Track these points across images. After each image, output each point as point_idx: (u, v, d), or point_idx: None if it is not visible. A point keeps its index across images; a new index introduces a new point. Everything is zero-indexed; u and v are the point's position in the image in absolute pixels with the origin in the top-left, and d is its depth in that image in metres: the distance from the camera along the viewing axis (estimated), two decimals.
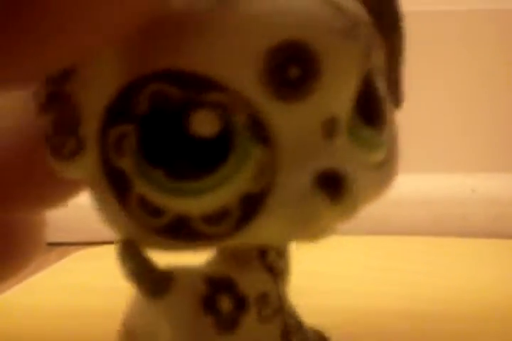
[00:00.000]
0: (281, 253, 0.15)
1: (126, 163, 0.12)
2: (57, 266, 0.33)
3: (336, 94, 0.12)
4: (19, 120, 0.15)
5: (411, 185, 0.43)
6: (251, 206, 0.12)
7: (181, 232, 0.12)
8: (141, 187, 0.12)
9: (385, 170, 0.13)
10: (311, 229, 0.13)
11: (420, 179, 0.43)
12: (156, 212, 0.12)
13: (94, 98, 0.12)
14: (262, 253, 0.15)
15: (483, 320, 0.23)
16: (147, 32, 0.11)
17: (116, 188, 0.12)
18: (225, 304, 0.14)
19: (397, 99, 0.15)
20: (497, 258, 0.32)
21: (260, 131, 0.12)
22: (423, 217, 0.41)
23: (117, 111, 0.12)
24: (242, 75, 0.11)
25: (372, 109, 0.13)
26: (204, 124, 0.12)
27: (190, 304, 0.14)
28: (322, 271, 0.29)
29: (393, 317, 0.23)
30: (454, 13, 0.45)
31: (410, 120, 0.45)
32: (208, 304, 0.14)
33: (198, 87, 0.12)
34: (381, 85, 0.13)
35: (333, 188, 0.12)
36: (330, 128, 0.12)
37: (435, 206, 0.42)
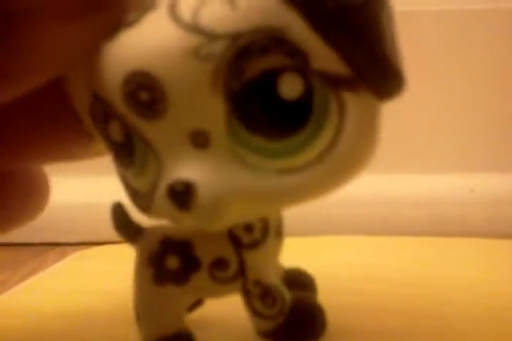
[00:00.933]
0: (251, 229, 0.18)
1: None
2: (56, 266, 0.33)
3: (191, 111, 0.13)
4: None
5: (409, 185, 0.43)
6: (147, 196, 0.15)
7: (134, 200, 0.16)
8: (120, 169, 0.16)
9: (302, 175, 0.14)
10: (183, 226, 0.16)
11: (419, 179, 0.43)
12: (127, 185, 0.16)
13: (82, 102, 0.15)
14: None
15: (482, 319, 0.23)
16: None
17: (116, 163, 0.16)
18: (172, 262, 0.18)
19: (385, 86, 0.14)
20: (495, 257, 0.32)
21: (144, 141, 0.14)
22: (422, 217, 0.41)
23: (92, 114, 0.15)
24: (115, 98, 0.14)
25: (269, 117, 0.13)
26: (115, 133, 0.15)
27: (141, 257, 0.18)
28: (321, 271, 0.29)
29: (392, 316, 0.23)
30: (448, 13, 0.45)
31: (408, 121, 0.45)
32: (153, 260, 0.18)
33: (105, 105, 0.14)
34: (292, 86, 0.13)
35: (179, 198, 0.14)
36: (199, 139, 0.14)
37: (433, 206, 0.42)
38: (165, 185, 0.14)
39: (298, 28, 0.13)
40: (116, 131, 0.14)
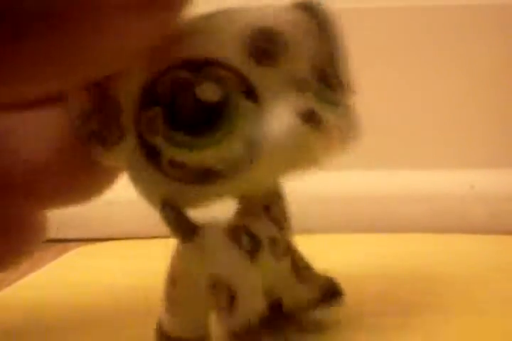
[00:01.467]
0: (283, 212, 0.20)
1: (156, 138, 0.17)
2: (56, 262, 0.33)
3: (301, 62, 0.17)
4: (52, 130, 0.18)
5: (410, 182, 0.43)
6: (251, 149, 0.16)
7: (203, 178, 0.17)
8: (169, 153, 0.17)
9: (344, 122, 0.18)
10: (303, 157, 0.17)
11: (419, 175, 0.43)
12: (182, 166, 0.17)
13: (128, 93, 0.17)
14: (268, 210, 0.19)
15: (483, 314, 0.23)
16: (167, 37, 0.16)
17: (150, 156, 0.17)
18: (245, 240, 0.18)
19: (341, 84, 0.19)
20: (496, 254, 0.32)
21: (248, 91, 0.17)
22: (422, 213, 0.41)
23: (146, 99, 0.17)
24: (233, 54, 0.16)
25: (331, 79, 0.18)
26: (208, 92, 0.16)
27: (221, 237, 0.18)
28: (321, 268, 0.29)
29: (392, 313, 0.23)
30: (446, 9, 0.45)
31: (408, 117, 0.45)
32: (234, 236, 0.18)
33: (203, 68, 0.16)
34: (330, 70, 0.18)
35: (314, 121, 0.17)
36: (301, 85, 0.17)
37: (434, 202, 0.42)
38: (293, 113, 0.16)
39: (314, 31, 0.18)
40: (212, 91, 0.16)
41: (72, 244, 0.39)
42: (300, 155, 0.17)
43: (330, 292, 0.21)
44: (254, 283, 0.18)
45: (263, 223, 0.19)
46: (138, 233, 0.38)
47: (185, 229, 0.18)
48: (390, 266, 0.29)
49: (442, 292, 0.25)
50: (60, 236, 0.42)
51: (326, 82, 0.18)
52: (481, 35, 0.44)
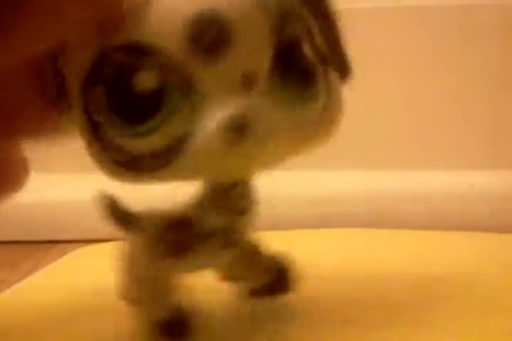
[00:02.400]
0: (243, 197, 0.20)
1: (100, 116, 0.16)
2: (56, 264, 0.33)
3: (249, 53, 0.16)
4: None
5: (411, 181, 0.43)
6: (177, 145, 0.16)
7: (131, 166, 0.17)
8: (110, 132, 0.16)
9: (317, 118, 0.17)
10: (226, 164, 0.16)
11: (420, 175, 0.43)
12: (119, 149, 0.16)
13: (75, 69, 0.17)
14: (225, 197, 0.20)
15: (482, 314, 0.23)
16: (111, 21, 0.16)
17: (94, 133, 0.17)
18: (179, 237, 0.19)
19: (342, 70, 0.18)
20: (495, 252, 0.32)
21: (187, 85, 0.16)
22: (422, 212, 0.41)
23: (91, 77, 0.16)
24: (171, 42, 0.15)
25: (299, 69, 0.17)
26: (143, 82, 0.16)
27: (150, 233, 0.19)
28: (321, 262, 0.29)
29: (391, 309, 0.23)
30: (446, 9, 0.45)
31: (409, 117, 0.45)
32: (165, 234, 0.19)
33: (139, 54, 0.16)
34: (308, 51, 0.17)
35: (235, 130, 0.15)
36: (248, 80, 0.16)
37: (434, 202, 0.42)
38: (220, 119, 0.15)
39: (305, 12, 0.17)
40: (148, 79, 0.16)
41: (72, 245, 0.39)
42: (216, 163, 0.16)
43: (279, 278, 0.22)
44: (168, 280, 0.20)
45: (208, 212, 0.20)
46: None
47: (119, 220, 0.20)
48: (388, 262, 0.29)
49: (440, 289, 0.25)
50: (61, 237, 0.42)
51: (294, 74, 0.17)
52: (479, 36, 0.44)
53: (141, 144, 0.16)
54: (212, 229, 0.19)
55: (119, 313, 0.22)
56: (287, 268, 0.22)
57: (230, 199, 0.20)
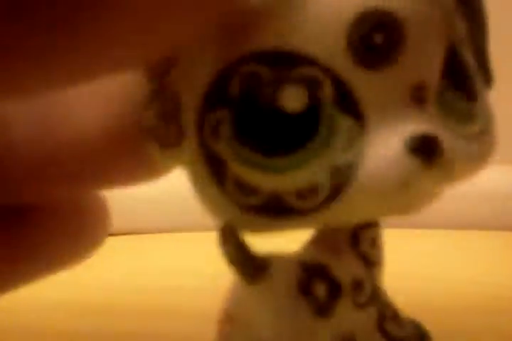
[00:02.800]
0: (374, 243, 0.16)
1: (222, 147, 0.13)
2: None
3: (422, 60, 0.12)
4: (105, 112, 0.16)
5: None
6: (341, 179, 0.12)
7: (275, 209, 0.13)
8: (237, 168, 0.13)
9: (478, 143, 0.13)
10: (405, 199, 0.13)
11: None
12: (252, 190, 0.13)
13: (192, 86, 0.13)
14: (355, 242, 0.15)
15: (485, 312, 0.23)
16: (235, 21, 0.12)
17: (214, 171, 0.13)
18: (321, 290, 0.14)
19: (486, 77, 0.15)
20: (498, 250, 0.32)
21: (348, 103, 0.12)
22: (424, 210, 0.41)
23: (213, 98, 0.13)
24: (329, 48, 0.12)
25: (462, 79, 0.13)
26: (293, 99, 0.12)
27: (286, 289, 0.14)
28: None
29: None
30: None
31: None
32: (304, 289, 0.14)
33: (286, 64, 0.12)
34: (469, 58, 0.14)
35: (428, 152, 0.12)
36: (419, 94, 0.12)
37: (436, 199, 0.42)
38: (401, 141, 0.12)
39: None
40: (296, 96, 0.12)
41: None
42: (400, 196, 0.12)
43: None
44: None
45: (347, 260, 0.15)
46: (140, 228, 0.38)
47: (250, 268, 0.14)
48: (392, 261, 0.29)
49: (444, 289, 0.25)
50: None
51: (458, 85, 0.13)
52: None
53: (287, 180, 0.13)
54: (352, 279, 0.15)
55: (123, 311, 0.22)
56: (426, 337, 0.17)
57: (362, 244, 0.15)
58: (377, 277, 0.16)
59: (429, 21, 0.12)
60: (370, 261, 0.15)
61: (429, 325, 0.21)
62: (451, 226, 0.38)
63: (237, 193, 0.13)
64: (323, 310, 0.14)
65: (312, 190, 0.12)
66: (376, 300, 0.15)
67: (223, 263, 0.14)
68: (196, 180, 0.13)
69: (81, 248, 0.18)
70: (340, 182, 0.12)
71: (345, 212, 0.13)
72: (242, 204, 0.13)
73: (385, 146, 0.12)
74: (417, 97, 0.12)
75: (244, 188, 0.13)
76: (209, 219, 0.15)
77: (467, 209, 0.41)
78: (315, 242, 0.15)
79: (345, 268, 0.15)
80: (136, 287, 0.24)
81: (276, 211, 0.13)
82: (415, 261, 0.30)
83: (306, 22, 0.12)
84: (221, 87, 0.13)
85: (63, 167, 0.16)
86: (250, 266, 0.14)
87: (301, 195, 0.13)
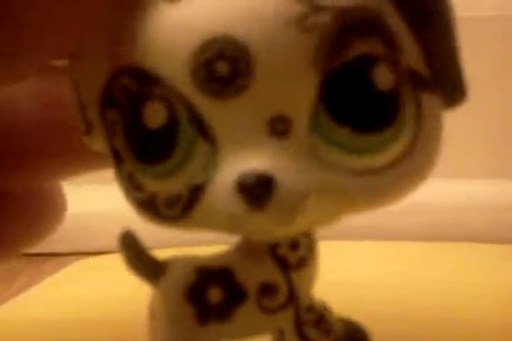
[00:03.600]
0: (297, 246, 0.15)
1: (118, 143, 0.13)
2: (56, 276, 0.33)
3: (279, 90, 0.11)
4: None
5: None
6: (194, 194, 0.12)
7: (149, 209, 0.13)
8: (129, 166, 0.13)
9: (382, 177, 0.12)
10: (242, 230, 0.13)
11: None
12: (138, 187, 0.13)
13: (91, 86, 0.13)
14: (274, 245, 0.15)
15: (478, 325, 0.23)
16: (115, 30, 0.13)
17: (116, 162, 0.14)
18: (214, 294, 0.14)
19: (453, 90, 0.13)
20: (493, 263, 0.32)
21: (201, 127, 0.12)
22: (419, 223, 0.41)
23: (108, 99, 0.13)
24: (176, 73, 0.12)
25: (362, 107, 0.12)
26: (152, 116, 0.12)
27: (175, 293, 0.15)
28: (321, 276, 0.29)
29: (387, 320, 0.23)
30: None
31: None
32: (194, 294, 0.15)
33: (148, 81, 0.12)
34: (384, 76, 0.12)
35: (253, 194, 0.11)
36: (279, 126, 0.12)
37: (431, 212, 0.42)
38: (232, 177, 0.12)
39: (393, 20, 0.12)
40: (156, 114, 0.12)
41: (69, 258, 0.39)
42: (233, 225, 0.12)
43: None
44: None
45: (260, 264, 0.15)
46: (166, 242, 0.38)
47: (148, 271, 0.15)
48: (387, 272, 0.29)
49: (438, 302, 0.25)
50: (58, 250, 0.42)
51: (333, 109, 0.12)
52: (484, 44, 0.44)
53: (159, 186, 0.13)
54: (259, 284, 0.15)
55: (119, 326, 0.22)
56: (364, 337, 0.17)
57: (280, 247, 0.15)
58: (299, 280, 0.15)
59: (292, 51, 0.11)
60: (289, 265, 0.15)
61: (412, 336, 0.21)
62: (446, 239, 0.38)
63: (130, 186, 0.13)
64: (218, 314, 0.14)
65: (174, 200, 0.13)
66: (293, 304, 0.15)
67: None
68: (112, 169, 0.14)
69: (39, 229, 0.19)
70: (194, 197, 0.12)
71: (198, 223, 0.13)
72: (132, 197, 0.14)
73: (224, 176, 0.12)
74: (276, 130, 0.12)
75: (134, 183, 0.13)
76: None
77: (462, 221, 0.41)
78: (235, 245, 0.15)
79: (255, 273, 0.15)
80: (139, 301, 0.24)
81: (152, 211, 0.13)
82: (407, 272, 0.30)
83: (158, 44, 0.12)
84: (111, 91, 0.13)
85: (15, 156, 0.17)
86: (148, 270, 0.15)
87: (166, 202, 0.13)
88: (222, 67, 0.11)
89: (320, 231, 0.42)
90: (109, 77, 0.13)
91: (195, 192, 0.12)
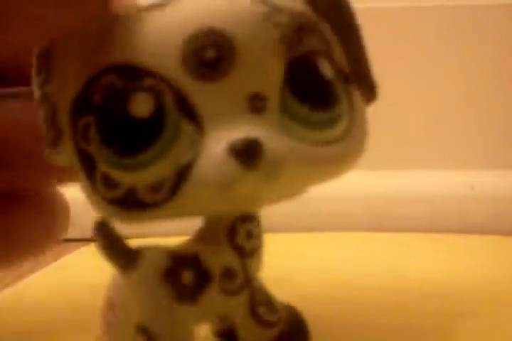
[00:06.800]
0: (251, 236, 0.17)
1: (91, 148, 0.15)
2: (58, 262, 0.33)
3: (256, 73, 0.14)
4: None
5: (410, 182, 0.43)
6: (181, 175, 0.14)
7: (131, 202, 0.15)
8: (103, 167, 0.15)
9: (337, 147, 0.15)
10: (233, 197, 0.14)
11: (419, 176, 0.43)
12: (114, 185, 0.15)
13: (63, 94, 0.15)
14: (232, 235, 0.17)
15: (479, 316, 0.23)
16: (95, 36, 0.14)
17: (86, 168, 0.15)
18: (187, 277, 0.16)
19: (367, 89, 0.17)
20: (495, 254, 0.32)
21: (188, 110, 0.14)
22: (422, 214, 0.41)
23: (80, 105, 0.15)
24: (166, 62, 0.14)
25: (315, 89, 0.15)
26: (139, 106, 0.14)
27: (153, 276, 0.16)
28: (321, 266, 0.29)
29: (389, 312, 0.23)
30: (447, 9, 0.45)
31: (408, 117, 0.45)
32: (170, 276, 0.16)
33: (135, 76, 0.14)
34: (327, 69, 0.15)
35: (246, 154, 0.14)
36: (256, 103, 0.14)
37: (434, 203, 0.42)
38: (222, 146, 0.14)
39: (324, 27, 0.16)
40: (143, 103, 0.14)
41: (73, 244, 0.39)
42: (224, 193, 0.14)
43: (292, 331, 0.18)
44: (180, 331, 0.16)
45: (221, 251, 0.17)
46: (140, 232, 0.38)
47: (121, 258, 0.16)
48: (388, 264, 0.29)
49: (441, 293, 0.25)
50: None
51: (310, 95, 0.15)
52: (482, 36, 0.44)
53: (140, 176, 0.14)
54: (221, 268, 0.16)
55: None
56: (302, 322, 0.19)
57: (237, 237, 0.17)
58: (252, 266, 0.17)
59: (263, 41, 0.14)
60: (245, 253, 0.17)
61: (413, 327, 0.21)
62: (449, 230, 0.38)
63: (103, 188, 0.15)
64: (189, 295, 0.16)
65: (159, 185, 0.14)
66: (249, 287, 0.17)
67: None
68: (77, 178, 0.15)
69: (54, 232, 0.20)
70: (180, 178, 0.14)
71: (186, 205, 0.14)
72: (107, 198, 0.15)
73: (214, 148, 0.14)
74: (255, 106, 0.14)
75: (108, 183, 0.15)
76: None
77: (465, 212, 0.41)
78: (197, 235, 0.17)
79: (218, 259, 0.17)
80: None
81: (132, 204, 0.14)
82: (411, 264, 0.30)
83: (147, 39, 0.14)
84: (86, 96, 0.15)
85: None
86: (122, 257, 0.16)
87: (150, 189, 0.14)
88: (210, 53, 0.14)
89: (324, 223, 0.42)
90: (85, 81, 0.14)
91: (182, 173, 0.14)
